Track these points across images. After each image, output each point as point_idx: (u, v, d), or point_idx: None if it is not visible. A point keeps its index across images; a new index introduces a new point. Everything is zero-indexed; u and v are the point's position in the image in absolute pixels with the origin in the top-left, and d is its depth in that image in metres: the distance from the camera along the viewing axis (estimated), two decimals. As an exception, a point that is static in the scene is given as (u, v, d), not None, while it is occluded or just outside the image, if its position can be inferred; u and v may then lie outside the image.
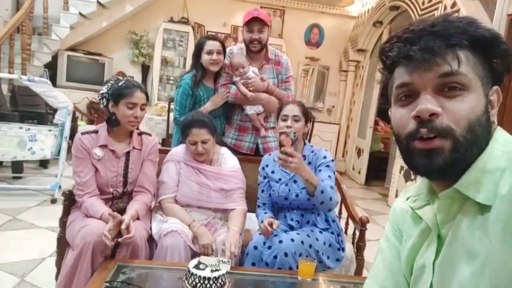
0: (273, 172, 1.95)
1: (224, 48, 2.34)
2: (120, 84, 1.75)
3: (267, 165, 1.99)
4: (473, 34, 0.60)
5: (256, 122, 2.37)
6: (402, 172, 4.31)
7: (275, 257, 1.64)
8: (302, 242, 1.68)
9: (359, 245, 1.98)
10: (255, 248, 1.70)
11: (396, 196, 4.39)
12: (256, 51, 2.36)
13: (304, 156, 1.88)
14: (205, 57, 2.30)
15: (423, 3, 3.99)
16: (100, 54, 5.74)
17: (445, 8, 3.56)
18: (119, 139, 1.82)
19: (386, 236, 0.81)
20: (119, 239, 1.56)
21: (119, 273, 1.45)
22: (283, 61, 2.46)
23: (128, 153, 1.83)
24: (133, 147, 1.84)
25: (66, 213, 1.80)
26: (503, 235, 0.52)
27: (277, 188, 1.89)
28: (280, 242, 1.66)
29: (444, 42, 0.60)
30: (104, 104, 1.78)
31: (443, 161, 0.60)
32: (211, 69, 2.33)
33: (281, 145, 1.62)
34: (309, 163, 1.87)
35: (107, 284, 1.34)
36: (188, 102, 2.32)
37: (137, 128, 1.87)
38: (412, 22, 0.65)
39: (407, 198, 0.75)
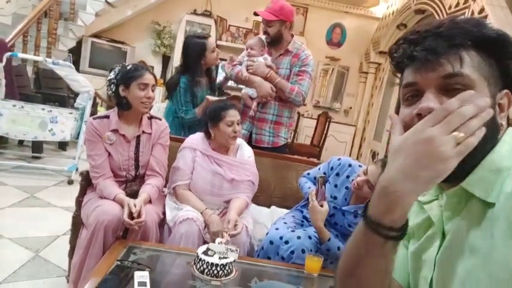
0: (335, 186, 1.84)
1: None
2: (129, 68, 1.80)
3: (337, 174, 1.86)
4: (477, 35, 0.60)
5: (245, 100, 2.45)
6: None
7: (292, 252, 1.64)
8: (318, 240, 1.70)
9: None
10: (271, 242, 1.70)
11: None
12: (268, 42, 2.42)
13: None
14: (213, 56, 2.43)
15: (450, 7, 3.91)
16: (123, 43, 5.83)
17: (472, 13, 3.48)
18: (129, 123, 1.86)
19: None
20: (131, 222, 1.60)
21: (130, 253, 1.49)
22: (302, 55, 2.42)
23: (138, 137, 1.87)
24: (143, 131, 1.87)
25: (82, 193, 1.86)
26: (509, 233, 0.53)
27: (327, 199, 1.80)
28: (298, 238, 1.67)
29: (447, 42, 0.60)
30: (113, 90, 1.81)
31: None
32: (216, 64, 2.54)
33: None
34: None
35: (118, 263, 1.37)
36: (190, 100, 2.41)
37: (148, 113, 1.91)
38: (420, 24, 0.66)
39: None
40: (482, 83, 0.60)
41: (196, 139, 1.97)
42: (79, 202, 1.84)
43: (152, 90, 1.82)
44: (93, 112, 4.28)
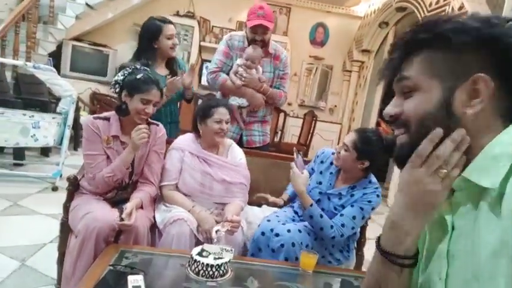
0: (320, 172, 1.91)
1: None
2: (139, 76, 1.74)
3: (321, 162, 1.94)
4: (407, 41, 0.68)
5: (235, 114, 2.35)
6: (403, 173, 4.31)
7: (282, 245, 1.65)
8: (308, 234, 1.72)
9: (360, 241, 1.99)
10: (262, 234, 1.72)
11: (396, 197, 4.39)
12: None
13: (354, 186, 1.80)
14: (166, 42, 2.24)
15: (430, 4, 3.99)
16: (104, 46, 5.73)
17: (452, 9, 3.56)
18: (128, 130, 1.80)
19: None
20: (118, 222, 1.56)
21: (122, 258, 1.45)
22: (282, 56, 2.46)
23: None
24: None
25: (70, 198, 1.81)
26: None
27: (312, 186, 1.87)
28: (289, 231, 1.68)
29: (400, 52, 0.69)
30: (117, 91, 1.78)
31: (398, 153, 0.70)
32: (171, 54, 2.29)
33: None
34: (352, 195, 1.77)
35: (111, 268, 1.34)
36: None
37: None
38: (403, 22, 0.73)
39: None
40: (429, 82, 0.64)
41: (185, 140, 1.95)
42: (66, 208, 1.79)
43: (154, 105, 1.77)
44: (76, 117, 4.19)
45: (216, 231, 1.47)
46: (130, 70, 1.78)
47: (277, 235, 1.68)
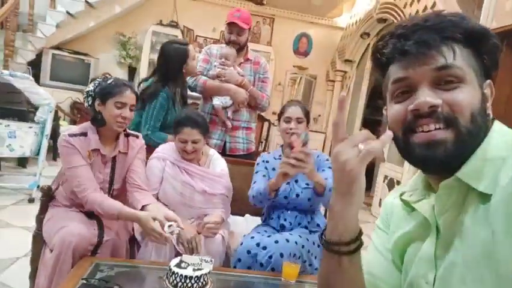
0: (273, 169, 1.91)
1: None
2: (109, 82, 1.69)
3: (267, 161, 1.97)
4: (466, 27, 0.60)
5: (220, 114, 2.38)
6: (386, 181, 4.34)
7: (270, 257, 1.60)
8: (296, 243, 1.66)
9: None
10: (248, 252, 1.63)
11: (380, 205, 4.41)
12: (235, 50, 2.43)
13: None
14: (193, 63, 2.27)
15: (410, 15, 4.07)
16: (86, 54, 5.65)
17: (431, 21, 3.64)
18: (107, 142, 1.74)
19: (377, 226, 0.80)
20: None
21: (97, 271, 1.39)
22: (262, 62, 2.55)
23: (114, 158, 1.75)
24: (119, 152, 1.75)
25: (43, 209, 1.74)
26: (507, 227, 0.52)
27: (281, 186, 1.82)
28: (276, 242, 1.63)
29: (438, 35, 0.60)
30: (90, 103, 1.71)
31: (446, 153, 0.59)
32: (196, 73, 2.36)
33: (292, 147, 1.61)
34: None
35: (84, 281, 1.28)
36: (163, 118, 2.17)
37: (124, 130, 1.78)
38: (403, 20, 0.66)
39: (401, 194, 0.72)
40: (471, 74, 0.60)
41: (166, 148, 1.90)
42: (39, 220, 1.72)
43: (131, 110, 1.70)
44: (55, 126, 4.09)
45: (169, 226, 1.44)
46: (101, 79, 1.73)
47: (264, 248, 1.62)
